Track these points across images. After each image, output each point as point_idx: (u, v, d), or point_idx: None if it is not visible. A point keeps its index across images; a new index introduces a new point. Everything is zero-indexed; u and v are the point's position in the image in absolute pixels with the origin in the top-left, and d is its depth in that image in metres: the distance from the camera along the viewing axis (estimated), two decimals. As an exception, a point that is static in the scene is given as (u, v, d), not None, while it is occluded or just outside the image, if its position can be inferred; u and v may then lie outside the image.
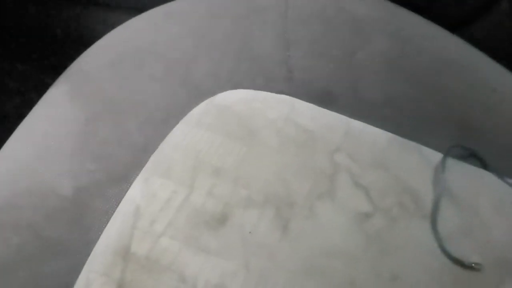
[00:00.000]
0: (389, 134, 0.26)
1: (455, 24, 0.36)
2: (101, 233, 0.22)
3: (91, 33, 0.46)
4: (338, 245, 0.23)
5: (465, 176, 0.26)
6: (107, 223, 0.22)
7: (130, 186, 0.24)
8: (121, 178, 0.24)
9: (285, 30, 0.30)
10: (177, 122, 0.26)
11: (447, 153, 0.26)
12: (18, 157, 0.25)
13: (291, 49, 0.29)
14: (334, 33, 0.30)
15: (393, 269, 0.22)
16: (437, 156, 0.26)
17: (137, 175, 0.24)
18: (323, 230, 0.23)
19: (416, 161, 0.26)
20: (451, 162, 0.26)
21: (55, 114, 0.26)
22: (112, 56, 0.29)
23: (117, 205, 0.23)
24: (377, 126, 0.27)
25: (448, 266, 0.22)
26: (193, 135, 0.25)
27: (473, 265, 0.23)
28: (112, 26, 0.31)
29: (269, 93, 0.27)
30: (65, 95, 0.26)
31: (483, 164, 0.27)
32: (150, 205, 0.23)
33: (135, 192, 0.24)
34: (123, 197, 0.23)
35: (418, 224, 0.24)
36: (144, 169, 0.24)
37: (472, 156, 0.27)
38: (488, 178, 0.26)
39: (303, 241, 0.22)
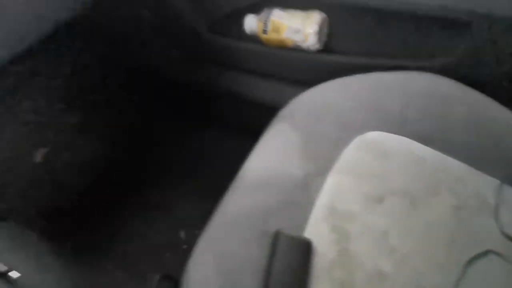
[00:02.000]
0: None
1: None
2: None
3: None
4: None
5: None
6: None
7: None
8: (320, 173, 0.45)
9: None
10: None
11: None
12: (265, 162, 0.47)
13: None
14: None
15: None
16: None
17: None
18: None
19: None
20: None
21: (281, 137, 0.48)
22: (309, 106, 0.51)
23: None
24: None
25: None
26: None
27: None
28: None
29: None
30: (286, 125, 0.49)
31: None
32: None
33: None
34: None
35: None
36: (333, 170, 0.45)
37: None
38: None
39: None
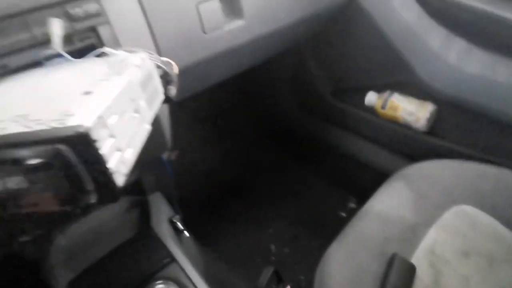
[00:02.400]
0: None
1: None
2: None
3: None
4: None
5: None
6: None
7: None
8: (425, 225, 0.63)
9: None
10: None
11: None
12: (386, 204, 0.66)
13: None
14: None
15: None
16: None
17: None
18: None
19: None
20: None
21: (398, 191, 0.68)
22: (421, 174, 0.70)
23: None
24: None
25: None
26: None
27: None
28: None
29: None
30: (402, 184, 0.68)
31: None
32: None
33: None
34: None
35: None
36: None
37: None
38: None
39: None
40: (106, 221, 0.70)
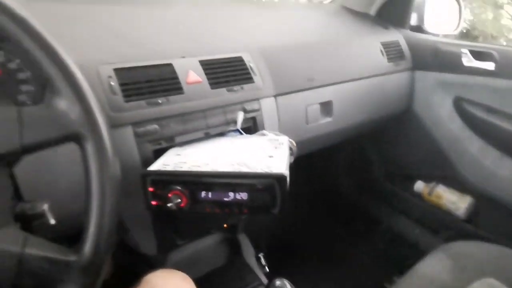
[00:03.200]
0: None
1: None
2: None
3: None
4: None
5: None
6: None
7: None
8: None
9: None
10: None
11: None
12: (430, 270, 0.83)
13: None
14: None
15: None
16: None
17: None
18: None
19: None
20: None
21: (439, 261, 0.84)
22: (457, 249, 0.87)
23: None
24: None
25: None
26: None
27: None
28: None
29: None
30: (443, 256, 0.85)
31: None
32: None
33: None
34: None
35: None
36: None
37: None
38: None
39: None
40: (205, 248, 0.93)
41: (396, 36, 1.09)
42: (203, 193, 0.51)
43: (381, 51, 1.01)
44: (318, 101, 0.85)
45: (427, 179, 1.18)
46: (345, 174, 1.45)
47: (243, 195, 0.50)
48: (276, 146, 0.61)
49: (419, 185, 1.19)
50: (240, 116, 0.68)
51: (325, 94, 0.87)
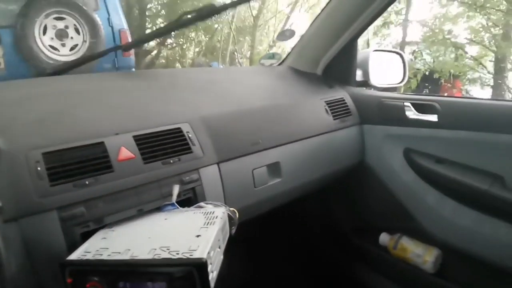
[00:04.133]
0: None
1: None
2: None
3: None
4: None
5: None
6: None
7: None
8: None
9: None
10: None
11: None
12: None
13: None
14: None
15: None
16: None
17: None
18: None
19: None
20: None
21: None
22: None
23: None
24: None
25: None
26: None
27: None
28: None
29: None
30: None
31: None
32: None
33: None
34: None
35: None
36: None
37: None
38: None
39: None
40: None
41: (341, 93, 1.13)
42: (121, 284, 0.48)
43: (326, 109, 1.04)
44: (264, 164, 0.85)
45: (391, 231, 1.16)
46: (314, 228, 1.41)
47: (161, 285, 0.46)
48: (209, 221, 0.58)
49: (384, 238, 1.16)
50: (175, 190, 0.66)
51: (272, 155, 0.87)
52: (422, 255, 1.05)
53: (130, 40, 4.54)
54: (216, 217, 0.60)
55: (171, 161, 0.68)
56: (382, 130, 1.09)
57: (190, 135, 0.72)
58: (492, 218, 0.92)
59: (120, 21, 4.31)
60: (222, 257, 0.57)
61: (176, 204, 0.65)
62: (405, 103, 1.04)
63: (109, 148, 0.63)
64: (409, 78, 5.84)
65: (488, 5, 4.65)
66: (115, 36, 4.37)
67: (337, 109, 1.08)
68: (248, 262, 1.44)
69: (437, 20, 5.57)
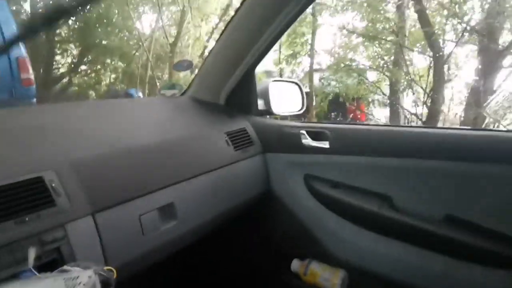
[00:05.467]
0: None
1: None
2: None
3: None
4: None
5: None
6: None
7: None
8: None
9: None
10: None
11: None
12: None
13: None
14: None
15: None
16: None
17: None
18: None
19: None
20: None
21: None
22: None
23: None
24: None
25: None
26: None
27: None
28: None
29: None
30: None
31: None
32: None
33: None
34: None
35: None
36: None
37: None
38: None
39: None
40: None
41: (243, 123, 1.12)
42: None
43: (226, 141, 1.01)
44: (155, 207, 0.77)
45: (302, 256, 1.16)
46: (225, 265, 1.35)
47: None
48: (70, 289, 0.49)
49: (295, 265, 1.15)
50: (31, 253, 0.55)
51: (164, 197, 0.79)
52: (330, 279, 1.06)
53: (30, 68, 4.10)
54: (80, 283, 0.50)
55: (27, 219, 0.56)
56: (284, 158, 1.10)
57: (53, 185, 0.61)
58: (386, 238, 0.97)
59: (18, 48, 3.88)
60: None
61: (33, 270, 0.54)
62: (301, 131, 1.07)
63: None
64: (321, 101, 6.37)
65: (379, 36, 5.34)
66: (12, 64, 3.93)
67: (238, 139, 1.06)
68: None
69: (341, 50, 6.19)
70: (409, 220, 0.91)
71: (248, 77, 1.20)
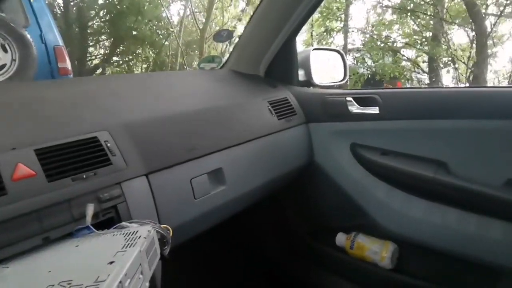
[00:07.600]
0: None
1: None
2: None
3: None
4: None
5: None
6: None
7: None
8: None
9: None
10: None
11: None
12: None
13: None
14: None
15: None
16: None
17: None
18: None
19: None
20: None
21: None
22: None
23: None
24: None
25: None
26: None
27: None
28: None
29: None
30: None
31: None
32: None
33: None
34: None
35: None
36: None
37: None
38: None
39: None
40: None
41: (284, 93, 1.09)
42: None
43: (270, 110, 0.98)
44: (204, 171, 0.76)
45: (347, 230, 1.13)
46: (269, 236, 1.34)
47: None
48: (130, 243, 0.49)
49: (341, 238, 1.12)
50: (89, 210, 0.55)
51: (213, 162, 0.78)
52: (379, 252, 1.02)
53: (67, 57, 4.23)
54: (139, 237, 0.50)
55: (84, 176, 0.57)
56: (328, 127, 1.06)
57: (109, 145, 0.62)
58: (441, 205, 0.91)
59: (55, 38, 3.99)
60: (147, 284, 0.47)
61: (91, 227, 0.54)
62: (347, 98, 1.02)
63: (2, 166, 0.51)
64: (355, 82, 6.15)
65: (417, 9, 5.03)
66: (49, 53, 4.06)
67: (281, 109, 1.03)
68: (205, 275, 1.33)
69: (374, 28, 5.92)
70: (468, 185, 0.84)
71: (288, 47, 1.16)
